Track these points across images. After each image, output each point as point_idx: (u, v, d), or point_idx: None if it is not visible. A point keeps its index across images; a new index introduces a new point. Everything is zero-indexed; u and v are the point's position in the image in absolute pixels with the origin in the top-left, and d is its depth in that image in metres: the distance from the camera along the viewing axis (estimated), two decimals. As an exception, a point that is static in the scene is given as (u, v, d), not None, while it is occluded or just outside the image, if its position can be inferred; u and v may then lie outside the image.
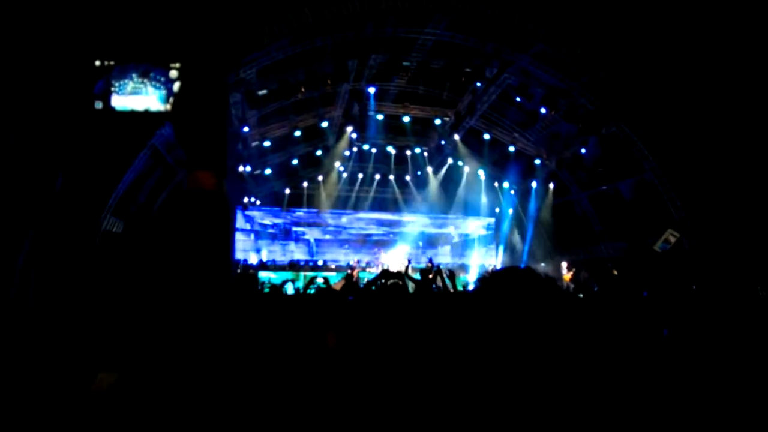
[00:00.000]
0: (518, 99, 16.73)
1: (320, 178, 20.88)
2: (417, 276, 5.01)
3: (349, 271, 16.22)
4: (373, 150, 20.89)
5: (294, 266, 19.81)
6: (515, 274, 1.47)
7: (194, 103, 1.28)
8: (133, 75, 1.55)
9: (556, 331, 1.32)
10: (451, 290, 4.67)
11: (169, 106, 1.43)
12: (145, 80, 1.59)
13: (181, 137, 1.28)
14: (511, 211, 22.28)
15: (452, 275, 5.08)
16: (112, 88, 1.55)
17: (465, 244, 23.36)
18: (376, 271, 17.61)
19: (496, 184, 21.89)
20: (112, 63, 1.51)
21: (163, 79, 1.56)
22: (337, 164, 20.56)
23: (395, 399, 1.85)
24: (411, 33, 14.51)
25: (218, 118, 1.31)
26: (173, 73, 1.51)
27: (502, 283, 1.46)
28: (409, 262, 8.37)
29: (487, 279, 1.51)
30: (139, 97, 1.59)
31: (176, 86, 1.45)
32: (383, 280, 4.65)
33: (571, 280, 16.60)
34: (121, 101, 1.58)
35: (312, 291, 5.54)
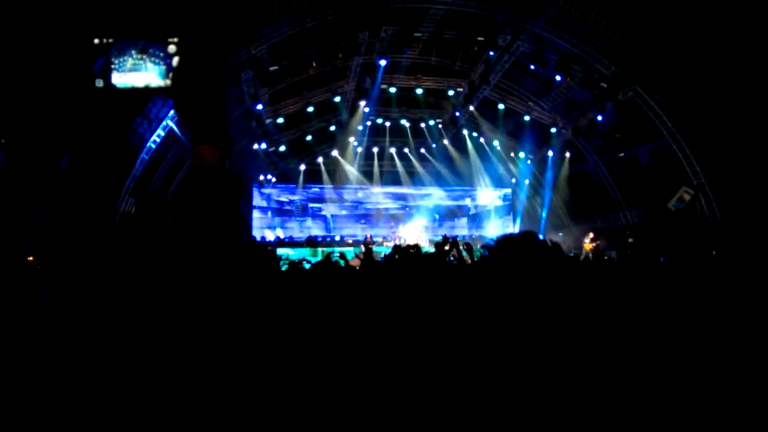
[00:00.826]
0: (532, 67, 16.47)
1: (335, 153, 20.86)
2: (427, 249, 5.05)
3: (363, 247, 16.30)
4: (387, 123, 20.77)
5: (311, 242, 19.96)
6: (521, 240, 1.48)
7: (193, 78, 1.30)
8: (132, 52, 1.56)
9: (560, 296, 1.33)
10: (468, 262, 4.70)
11: (169, 81, 1.44)
12: (144, 56, 1.59)
13: (183, 112, 1.30)
14: (527, 181, 22.13)
15: (469, 248, 5.11)
16: (112, 66, 1.56)
17: (482, 215, 23.30)
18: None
19: (512, 153, 21.70)
20: (110, 41, 1.52)
21: (162, 54, 1.56)
22: (352, 139, 20.50)
23: (408, 372, 1.88)
24: (422, 2, 14.28)
25: (217, 92, 1.32)
26: (172, 48, 1.51)
27: (509, 250, 1.47)
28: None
29: (495, 247, 1.52)
30: (139, 73, 1.60)
31: (175, 61, 1.46)
32: (397, 256, 4.69)
33: (592, 249, 16.45)
34: (121, 78, 1.59)
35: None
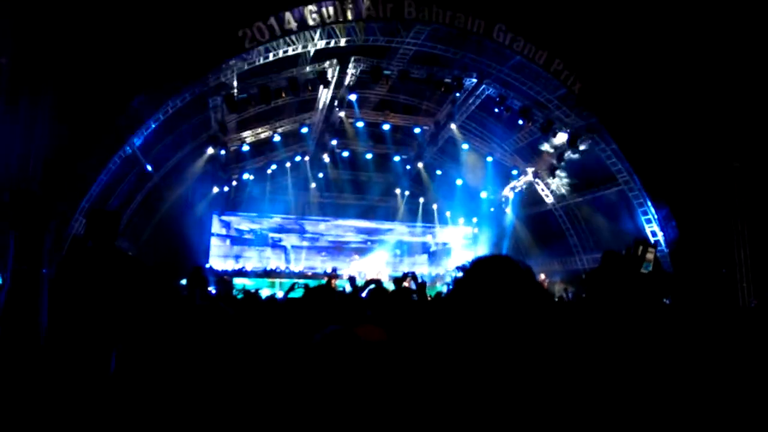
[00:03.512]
0: (496, 110, 16.92)
1: (299, 183, 20.77)
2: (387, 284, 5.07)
3: (326, 279, 16.15)
4: (353, 157, 20.88)
5: (270, 273, 19.64)
6: (497, 263, 1.44)
7: None
8: None
9: (538, 327, 1.30)
10: (415, 297, 4.75)
11: None
12: None
13: None
14: (489, 220, 22.43)
15: (422, 286, 5.16)
16: None
17: (443, 252, 23.44)
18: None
19: (475, 193, 22.02)
20: None
21: None
22: (316, 170, 20.51)
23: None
24: (392, 42, 14.59)
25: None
26: None
27: (485, 272, 1.43)
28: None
29: (470, 269, 1.46)
30: None
31: None
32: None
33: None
34: None
35: (296, 294, 5.49)
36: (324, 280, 15.78)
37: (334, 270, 18.87)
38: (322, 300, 3.00)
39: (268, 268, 20.20)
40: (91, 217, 2.92)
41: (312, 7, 12.68)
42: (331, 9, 12.80)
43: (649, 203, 15.53)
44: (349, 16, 12.98)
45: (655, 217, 15.43)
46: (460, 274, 1.43)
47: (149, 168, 14.95)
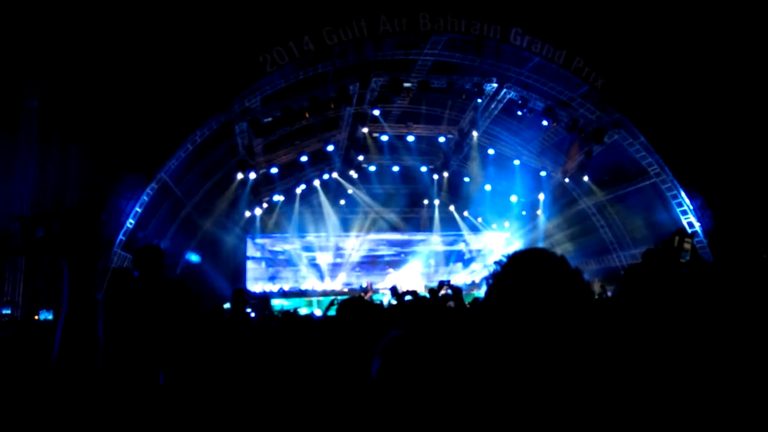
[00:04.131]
0: (519, 113, 16.84)
1: (329, 201, 20.94)
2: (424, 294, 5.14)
3: (362, 294, 16.22)
4: (380, 170, 20.98)
5: (306, 292, 19.84)
6: (533, 256, 1.44)
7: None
8: None
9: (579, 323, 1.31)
10: (452, 305, 4.80)
11: None
12: None
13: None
14: (521, 224, 22.24)
15: (459, 293, 5.20)
16: None
17: (478, 259, 23.29)
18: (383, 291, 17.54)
19: (505, 197, 21.86)
20: None
21: None
22: (345, 186, 20.68)
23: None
24: (410, 55, 14.73)
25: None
26: None
27: (523, 266, 1.44)
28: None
29: (507, 264, 1.47)
30: None
31: None
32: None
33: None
34: None
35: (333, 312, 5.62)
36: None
37: (371, 284, 18.87)
38: (356, 313, 3.04)
39: (304, 288, 20.41)
40: (137, 252, 3.37)
41: (329, 28, 12.93)
42: (347, 28, 13.02)
43: (683, 194, 15.23)
44: (365, 33, 13.18)
45: (690, 207, 15.13)
46: (498, 269, 1.45)
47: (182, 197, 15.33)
